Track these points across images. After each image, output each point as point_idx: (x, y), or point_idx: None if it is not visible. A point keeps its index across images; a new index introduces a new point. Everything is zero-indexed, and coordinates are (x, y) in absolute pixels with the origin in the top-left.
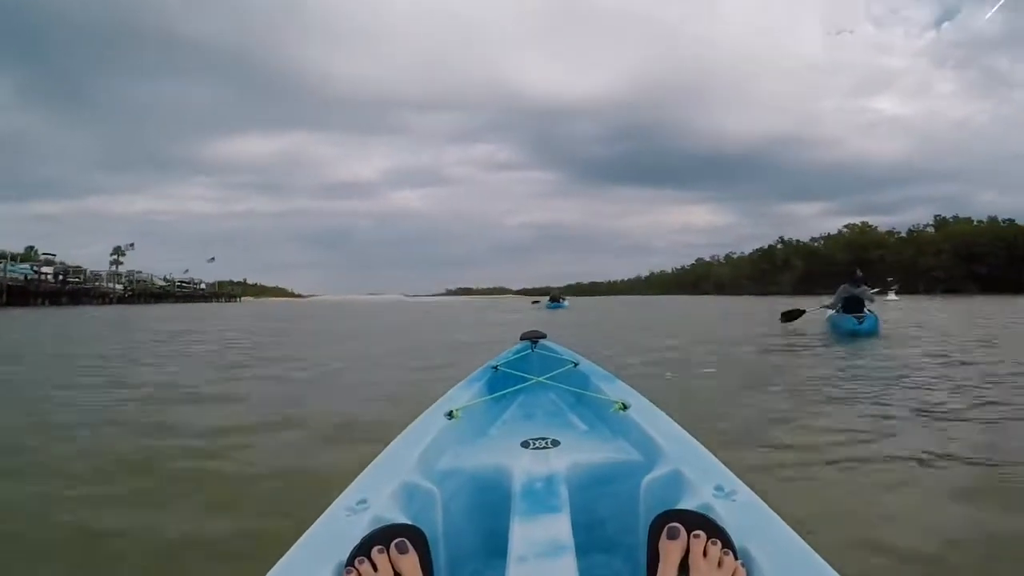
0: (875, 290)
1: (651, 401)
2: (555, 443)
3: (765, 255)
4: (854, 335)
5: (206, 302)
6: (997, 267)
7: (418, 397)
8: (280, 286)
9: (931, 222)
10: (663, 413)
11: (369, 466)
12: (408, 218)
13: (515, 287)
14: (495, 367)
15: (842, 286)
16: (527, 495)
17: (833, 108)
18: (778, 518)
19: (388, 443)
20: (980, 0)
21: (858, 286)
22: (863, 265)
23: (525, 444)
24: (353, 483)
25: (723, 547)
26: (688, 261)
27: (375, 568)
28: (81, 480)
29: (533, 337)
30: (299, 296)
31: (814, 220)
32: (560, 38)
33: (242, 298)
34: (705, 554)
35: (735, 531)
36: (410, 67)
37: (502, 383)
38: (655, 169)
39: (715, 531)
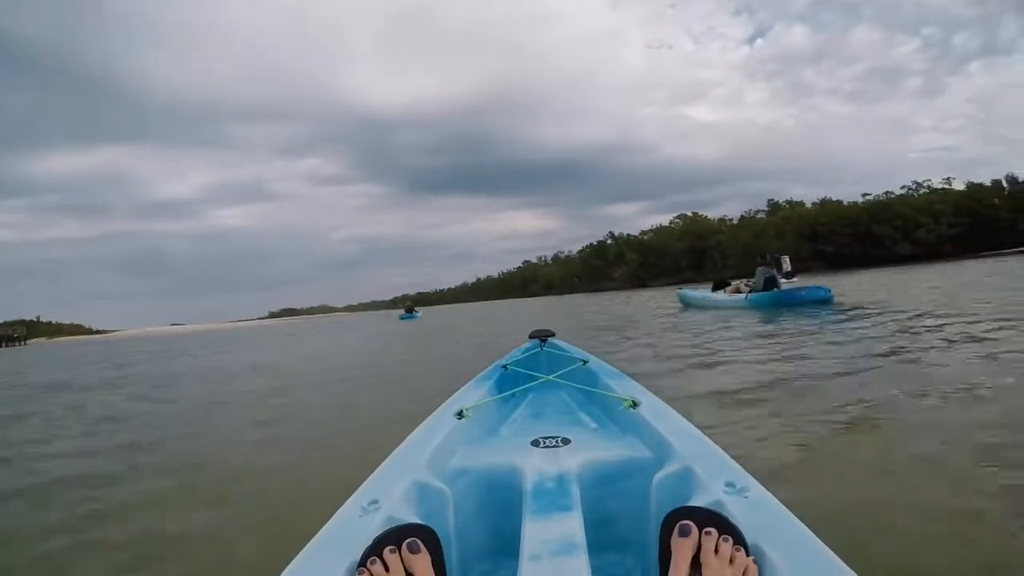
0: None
1: (661, 398)
2: (565, 441)
3: (596, 251)
4: (824, 302)
5: None
6: (844, 244)
7: None
8: (78, 322)
9: (763, 208)
10: (673, 410)
11: (380, 466)
12: (230, 238)
13: (341, 304)
14: (504, 366)
15: (759, 268)
16: (538, 494)
17: (652, 116)
18: (790, 514)
19: (399, 443)
20: (790, 19)
21: (771, 267)
22: (701, 253)
23: (535, 443)
24: (365, 483)
25: (735, 544)
26: (514, 266)
27: (387, 568)
28: None
29: (542, 336)
30: (98, 332)
31: (635, 219)
32: (391, 49)
33: (28, 341)
34: (717, 551)
35: (747, 528)
36: (233, 74)
37: (512, 382)
38: (480, 178)
39: (727, 528)
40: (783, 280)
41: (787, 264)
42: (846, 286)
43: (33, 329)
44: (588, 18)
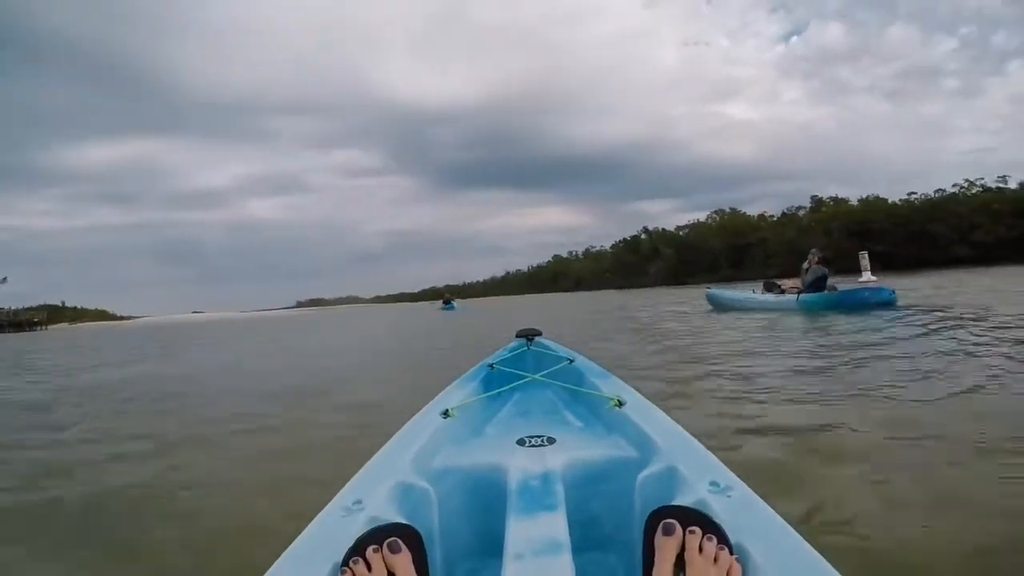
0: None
1: (647, 397)
2: (551, 441)
3: (629, 246)
4: (888, 304)
5: None
6: (896, 244)
7: None
8: (102, 308)
9: (805, 205)
10: (658, 409)
11: (364, 466)
12: (263, 229)
13: (369, 295)
14: (491, 365)
15: (812, 267)
16: (523, 493)
17: (685, 114)
18: (774, 513)
19: (383, 443)
20: (826, 17)
21: (824, 267)
22: (741, 250)
23: (521, 442)
24: (349, 483)
25: (719, 543)
26: (543, 260)
27: (369, 568)
28: None
29: (528, 334)
30: (121, 318)
31: (668, 216)
32: (427, 44)
33: (50, 326)
34: (701, 550)
35: (730, 527)
36: (271, 69)
37: (498, 381)
38: (510, 173)
39: (710, 527)
40: (863, 280)
41: (866, 262)
42: (905, 288)
43: (58, 314)
44: (622, 15)
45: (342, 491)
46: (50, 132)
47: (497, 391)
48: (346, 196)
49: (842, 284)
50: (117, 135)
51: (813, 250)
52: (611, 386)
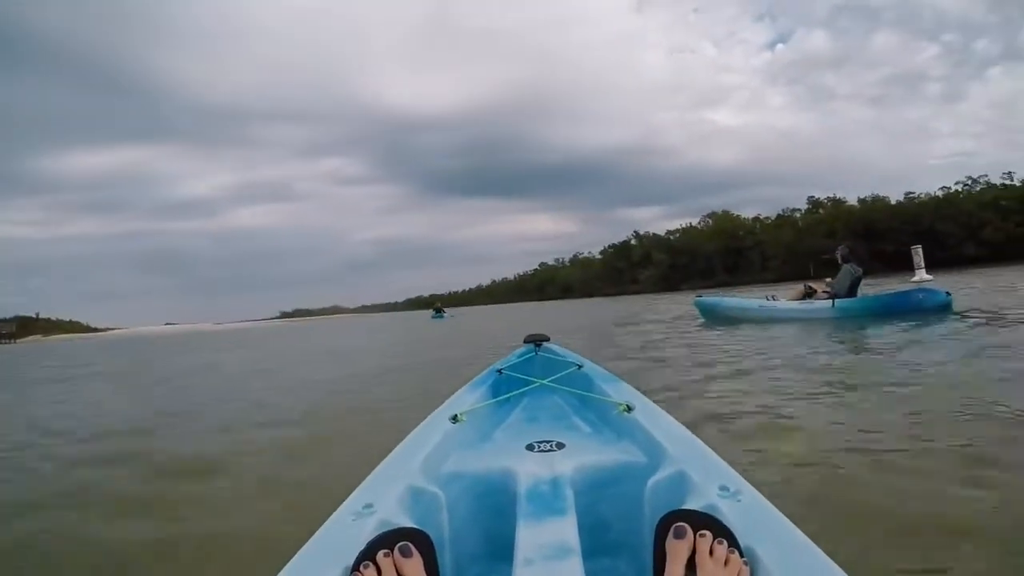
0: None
1: (655, 403)
2: (560, 446)
3: (619, 252)
4: (943, 308)
5: None
6: (901, 244)
7: None
8: (77, 319)
9: (799, 207)
10: (667, 414)
11: (375, 470)
12: (246, 238)
13: (353, 305)
14: (499, 370)
15: (846, 266)
16: (532, 498)
17: (672, 120)
18: (783, 517)
19: (393, 447)
20: (812, 24)
21: (858, 266)
22: (736, 254)
23: (530, 447)
24: (359, 487)
25: (729, 546)
26: (530, 268)
27: (379, 572)
28: None
29: (537, 340)
30: (94, 331)
31: (656, 222)
32: (416, 52)
33: (20, 339)
34: (712, 553)
35: (740, 531)
36: (258, 74)
37: (506, 386)
38: (497, 181)
39: (721, 531)
40: (916, 279)
41: (920, 258)
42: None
43: (31, 326)
44: (610, 22)
45: (352, 495)
46: (33, 139)
47: (506, 396)
48: (332, 204)
49: (869, 287)
50: (102, 142)
51: (841, 247)
52: (620, 391)
